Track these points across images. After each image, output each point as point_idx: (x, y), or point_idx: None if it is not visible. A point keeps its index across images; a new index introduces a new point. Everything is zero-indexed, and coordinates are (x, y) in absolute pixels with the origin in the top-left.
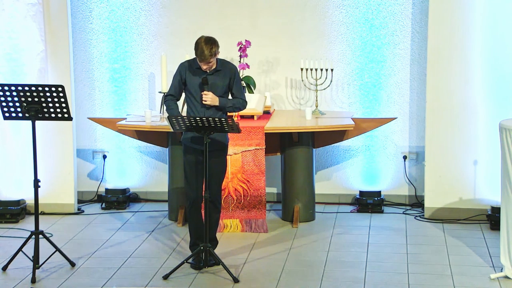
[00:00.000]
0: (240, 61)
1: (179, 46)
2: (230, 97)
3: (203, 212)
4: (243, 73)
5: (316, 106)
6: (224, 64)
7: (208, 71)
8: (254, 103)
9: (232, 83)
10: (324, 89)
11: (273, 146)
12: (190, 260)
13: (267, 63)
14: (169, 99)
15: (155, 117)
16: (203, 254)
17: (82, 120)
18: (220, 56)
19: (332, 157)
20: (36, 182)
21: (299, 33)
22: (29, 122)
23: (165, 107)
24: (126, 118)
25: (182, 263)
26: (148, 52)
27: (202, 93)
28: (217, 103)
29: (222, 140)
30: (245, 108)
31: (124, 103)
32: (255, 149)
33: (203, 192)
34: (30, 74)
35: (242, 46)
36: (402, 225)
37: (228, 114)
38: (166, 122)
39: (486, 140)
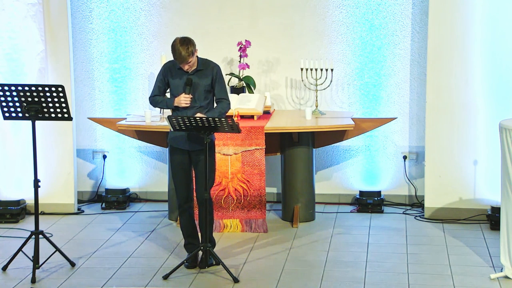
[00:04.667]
0: (240, 61)
1: None
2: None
3: (196, 212)
4: (243, 73)
5: (316, 106)
6: (206, 64)
7: (189, 71)
8: (254, 103)
9: (215, 82)
10: (324, 89)
11: (273, 146)
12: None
13: (267, 63)
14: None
15: (155, 117)
16: (198, 254)
17: (82, 120)
18: (220, 56)
19: (332, 157)
20: (36, 182)
21: (299, 33)
22: (29, 122)
23: (154, 105)
24: (126, 118)
25: (182, 263)
26: (148, 52)
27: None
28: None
29: (211, 137)
30: (230, 108)
31: (124, 103)
32: (255, 149)
33: (194, 194)
34: (30, 74)
35: (242, 46)
36: (402, 225)
37: (228, 114)
38: (166, 122)
39: (486, 140)
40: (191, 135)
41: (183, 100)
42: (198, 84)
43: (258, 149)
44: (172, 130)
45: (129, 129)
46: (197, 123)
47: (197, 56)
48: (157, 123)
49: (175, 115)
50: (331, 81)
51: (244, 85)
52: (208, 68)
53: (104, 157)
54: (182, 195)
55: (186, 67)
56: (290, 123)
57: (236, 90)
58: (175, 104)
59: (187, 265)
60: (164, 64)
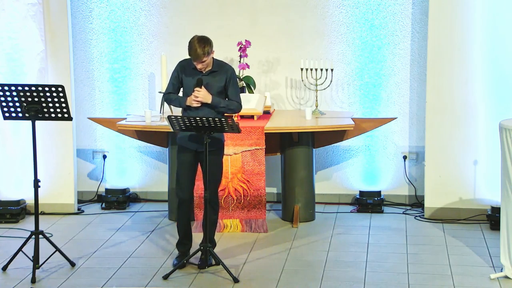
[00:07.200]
0: (240, 61)
1: (179, 46)
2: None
3: (201, 212)
4: (243, 73)
5: (316, 106)
6: (221, 65)
7: (203, 71)
8: (254, 103)
9: (228, 84)
10: (324, 89)
11: (273, 146)
12: (192, 260)
13: (267, 63)
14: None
15: (155, 117)
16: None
17: (82, 120)
18: (220, 56)
19: (332, 157)
20: (36, 182)
21: (299, 33)
22: (29, 122)
23: (167, 102)
24: (126, 118)
25: (182, 263)
26: (148, 52)
27: (195, 89)
28: (209, 101)
29: (218, 137)
30: (239, 111)
31: (124, 103)
32: (255, 149)
33: (197, 193)
34: (30, 74)
35: (242, 46)
36: (402, 225)
37: (227, 114)
38: (166, 122)
39: (486, 140)
40: (200, 135)
41: (194, 100)
42: (211, 85)
43: (258, 149)
44: (172, 130)
45: (129, 129)
46: (197, 123)
47: (212, 58)
48: (157, 123)
49: (186, 114)
50: (331, 81)
51: (244, 85)
52: (222, 70)
53: (104, 157)
54: (183, 194)
55: (199, 66)
56: (290, 123)
57: None
58: (187, 103)
59: (176, 263)
60: (180, 62)
